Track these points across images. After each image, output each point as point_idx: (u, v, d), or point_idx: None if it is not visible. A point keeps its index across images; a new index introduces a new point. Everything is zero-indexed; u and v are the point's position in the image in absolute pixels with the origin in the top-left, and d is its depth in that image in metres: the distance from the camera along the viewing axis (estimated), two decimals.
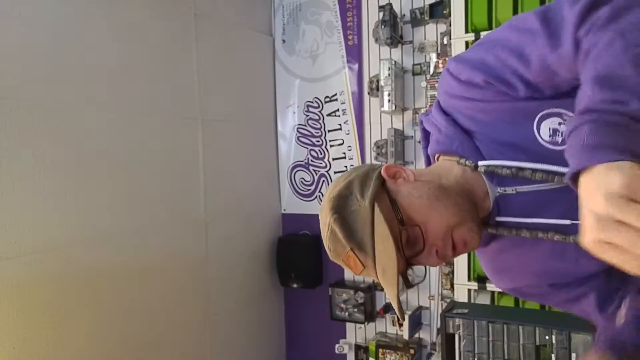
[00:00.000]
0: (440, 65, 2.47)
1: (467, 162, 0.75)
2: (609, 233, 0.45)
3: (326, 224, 0.75)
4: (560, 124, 0.67)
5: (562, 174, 0.65)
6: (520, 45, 0.66)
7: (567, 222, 0.71)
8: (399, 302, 0.74)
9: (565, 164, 0.55)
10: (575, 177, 0.51)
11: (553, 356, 1.59)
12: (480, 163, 0.74)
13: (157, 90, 2.14)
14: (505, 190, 0.74)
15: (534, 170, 0.69)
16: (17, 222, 1.58)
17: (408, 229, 0.72)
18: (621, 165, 0.46)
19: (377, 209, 0.71)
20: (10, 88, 1.58)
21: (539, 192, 0.72)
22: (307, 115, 2.87)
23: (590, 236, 0.47)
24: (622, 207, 0.44)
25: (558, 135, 0.68)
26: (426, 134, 0.87)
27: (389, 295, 0.73)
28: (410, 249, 0.74)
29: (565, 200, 0.70)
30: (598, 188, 0.46)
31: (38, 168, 1.65)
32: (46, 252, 1.67)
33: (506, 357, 1.66)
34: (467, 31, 2.15)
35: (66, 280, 1.73)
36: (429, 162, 0.87)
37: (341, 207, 0.74)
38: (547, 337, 1.60)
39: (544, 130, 0.68)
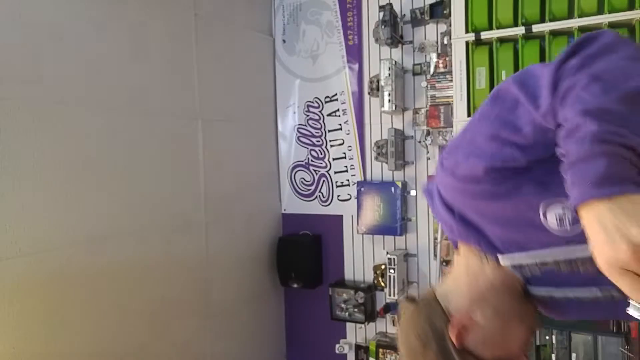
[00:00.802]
0: (441, 65, 2.47)
1: (488, 259, 0.77)
2: None
3: None
4: (563, 208, 0.66)
5: (584, 259, 0.65)
6: (508, 116, 0.67)
7: (595, 289, 0.73)
8: None
9: (579, 243, 0.59)
10: (582, 204, 0.54)
11: (553, 356, 1.59)
12: (501, 261, 0.76)
13: (157, 90, 2.14)
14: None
15: (557, 262, 0.71)
16: (17, 222, 1.58)
17: None
18: None
19: None
20: (10, 88, 1.58)
21: None
22: (308, 115, 2.86)
23: (617, 259, 0.49)
24: None
25: (565, 221, 0.67)
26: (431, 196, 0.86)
27: None
28: None
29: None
30: (634, 223, 0.48)
31: (38, 168, 1.65)
32: (46, 252, 1.67)
33: None
34: (467, 31, 2.15)
35: (66, 280, 1.73)
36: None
37: None
38: (547, 337, 1.60)
39: (551, 220, 0.68)
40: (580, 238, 0.61)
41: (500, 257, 0.75)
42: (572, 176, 0.56)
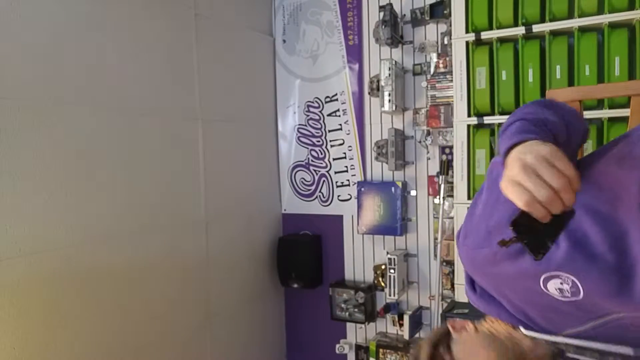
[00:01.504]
0: (441, 65, 2.46)
1: (515, 328, 0.80)
2: (526, 177, 0.61)
3: None
4: (561, 283, 0.71)
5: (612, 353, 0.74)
6: (492, 183, 0.78)
7: (630, 351, 0.74)
8: None
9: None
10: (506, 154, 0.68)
11: None
12: (524, 333, 0.79)
13: (157, 90, 2.14)
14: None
15: (579, 347, 0.75)
16: (17, 222, 1.58)
17: None
18: (545, 144, 0.65)
19: None
20: (10, 88, 1.58)
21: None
22: (308, 115, 2.86)
23: (510, 175, 0.63)
24: (543, 166, 0.61)
25: (565, 292, 0.71)
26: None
27: None
28: None
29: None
30: (530, 151, 0.63)
31: (38, 168, 1.65)
32: (46, 252, 1.67)
33: None
34: (467, 31, 2.15)
35: (66, 280, 1.73)
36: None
37: None
38: None
39: (553, 291, 0.72)
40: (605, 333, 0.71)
41: (522, 330, 0.79)
42: (501, 142, 0.72)
